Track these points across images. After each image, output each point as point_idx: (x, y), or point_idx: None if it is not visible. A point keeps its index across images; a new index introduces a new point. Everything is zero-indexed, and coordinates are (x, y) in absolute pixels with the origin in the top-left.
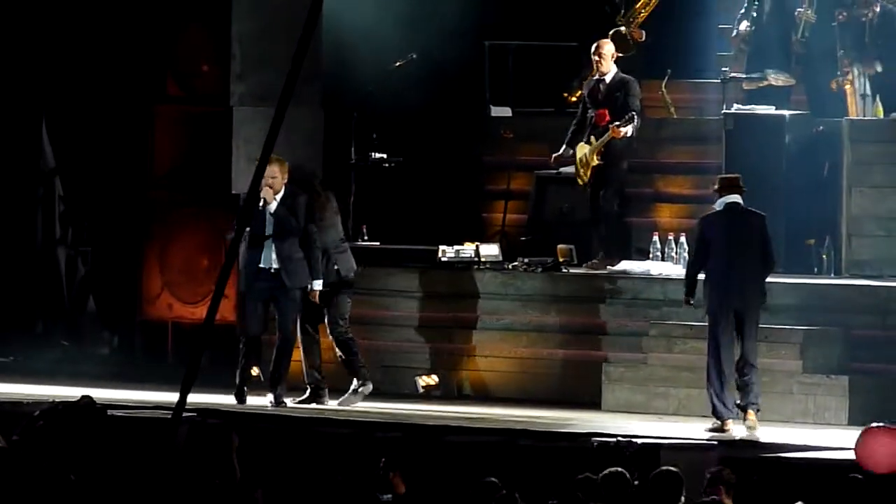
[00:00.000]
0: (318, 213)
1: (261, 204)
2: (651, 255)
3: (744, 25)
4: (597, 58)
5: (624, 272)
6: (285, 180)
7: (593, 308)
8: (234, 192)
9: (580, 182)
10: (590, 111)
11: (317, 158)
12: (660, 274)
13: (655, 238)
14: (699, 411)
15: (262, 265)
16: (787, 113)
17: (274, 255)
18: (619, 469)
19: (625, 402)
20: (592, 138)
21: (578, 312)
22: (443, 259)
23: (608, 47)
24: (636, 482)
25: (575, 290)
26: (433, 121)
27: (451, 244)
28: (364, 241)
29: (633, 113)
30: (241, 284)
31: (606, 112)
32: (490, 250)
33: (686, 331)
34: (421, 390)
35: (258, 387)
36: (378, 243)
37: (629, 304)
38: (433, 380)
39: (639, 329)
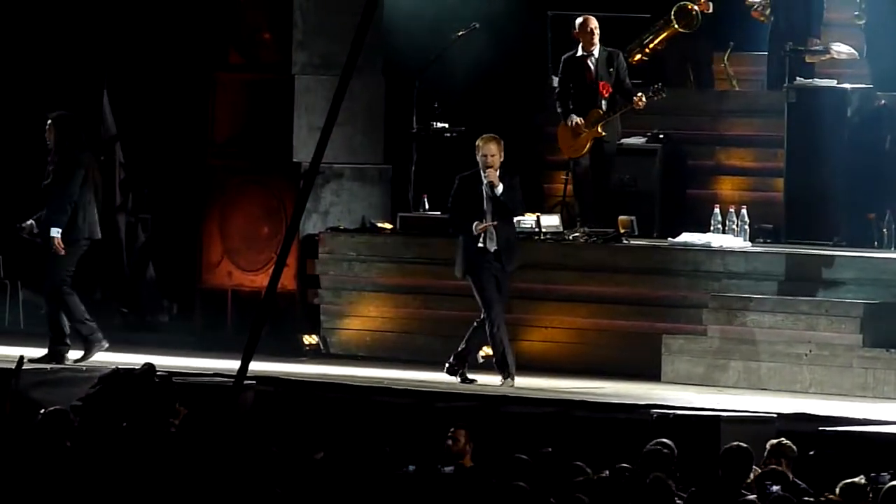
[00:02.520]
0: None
1: (484, 185)
2: (712, 228)
3: None
4: (590, 34)
5: (685, 244)
6: (502, 158)
7: (654, 280)
8: (294, 160)
9: (574, 153)
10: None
11: (378, 128)
12: (720, 246)
13: (716, 210)
14: (758, 384)
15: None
16: (849, 86)
17: (496, 237)
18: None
19: (684, 373)
20: (593, 109)
21: (639, 284)
22: None
23: (595, 23)
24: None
25: (635, 261)
26: (495, 90)
27: None
28: (424, 210)
29: (662, 85)
30: (460, 267)
31: (608, 84)
32: (551, 221)
33: (746, 303)
34: (480, 360)
35: (317, 356)
36: (439, 213)
37: (690, 276)
38: (490, 350)
39: (699, 301)
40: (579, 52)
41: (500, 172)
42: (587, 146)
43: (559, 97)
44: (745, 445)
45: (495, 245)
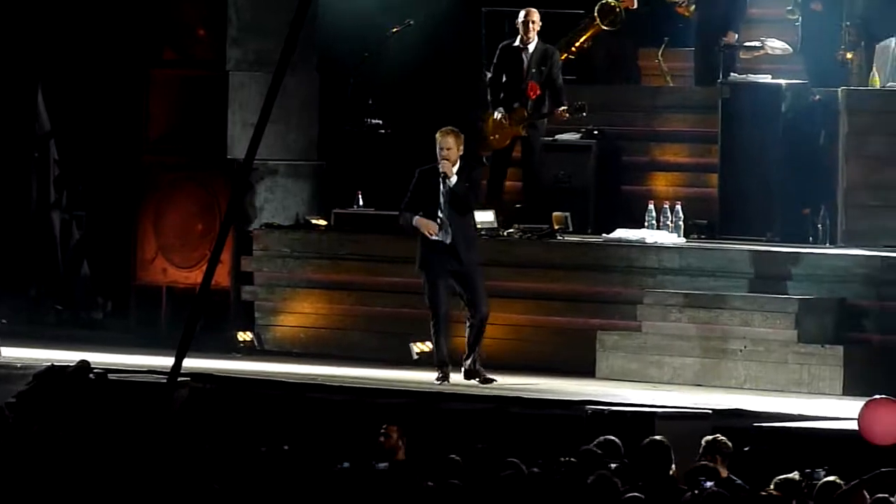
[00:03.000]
0: None
1: (440, 178)
2: (646, 224)
3: None
4: (528, 26)
5: (619, 240)
6: (461, 152)
7: (588, 276)
8: (229, 156)
9: (491, 147)
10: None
11: (312, 124)
12: (655, 242)
13: (651, 206)
14: (693, 380)
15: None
16: (783, 82)
17: (451, 231)
18: (612, 437)
19: (619, 370)
20: (518, 106)
21: (573, 280)
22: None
23: (538, 16)
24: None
25: (570, 257)
26: (429, 87)
27: None
28: (359, 206)
29: (585, 104)
30: (416, 262)
31: (537, 86)
32: (485, 217)
33: (681, 299)
34: (415, 357)
35: (251, 353)
36: (373, 209)
37: (624, 273)
38: (427, 346)
39: (633, 297)
40: (516, 42)
41: (460, 165)
42: (508, 142)
43: (490, 85)
44: (661, 439)
45: (450, 238)
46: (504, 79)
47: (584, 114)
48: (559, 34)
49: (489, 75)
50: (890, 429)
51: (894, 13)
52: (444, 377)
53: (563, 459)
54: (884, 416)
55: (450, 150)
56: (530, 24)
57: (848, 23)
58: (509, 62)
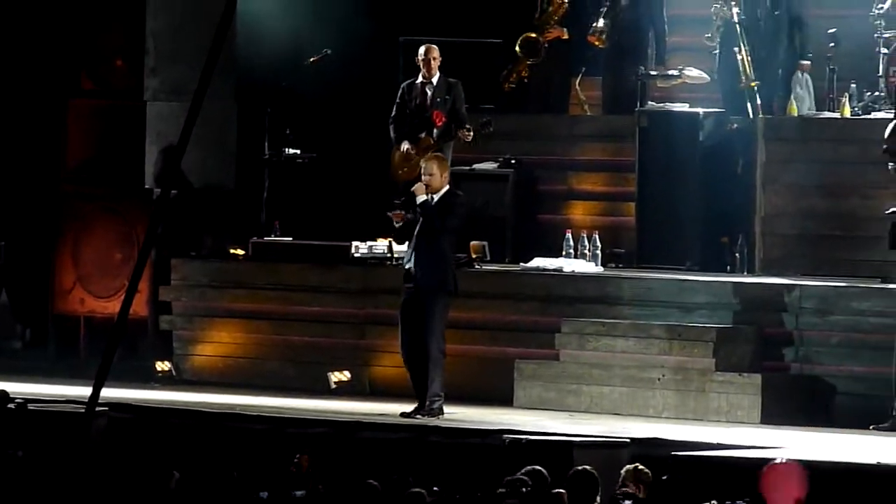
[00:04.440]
0: None
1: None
2: (564, 253)
3: (601, 22)
4: (429, 63)
5: (537, 269)
6: (445, 183)
7: (506, 305)
8: (147, 186)
9: (401, 180)
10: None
11: (230, 153)
12: (572, 271)
13: (568, 235)
14: (611, 408)
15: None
16: (701, 110)
17: (413, 255)
18: (538, 467)
19: (537, 398)
20: (424, 135)
21: (491, 309)
22: (356, 255)
23: (437, 52)
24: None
25: (487, 286)
26: (347, 116)
27: (364, 240)
28: (276, 235)
29: (491, 120)
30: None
31: (442, 114)
32: (404, 247)
33: (599, 328)
34: (333, 386)
35: (169, 382)
36: (291, 238)
37: (542, 301)
38: (345, 376)
39: (551, 326)
40: (419, 80)
41: (444, 192)
42: (417, 172)
43: (393, 122)
44: (590, 469)
45: (411, 263)
46: (408, 115)
47: (490, 130)
48: (477, 63)
49: (392, 113)
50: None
51: (800, 40)
52: (414, 411)
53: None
54: (782, 483)
55: (431, 177)
56: (431, 61)
57: (747, 49)
58: (412, 98)
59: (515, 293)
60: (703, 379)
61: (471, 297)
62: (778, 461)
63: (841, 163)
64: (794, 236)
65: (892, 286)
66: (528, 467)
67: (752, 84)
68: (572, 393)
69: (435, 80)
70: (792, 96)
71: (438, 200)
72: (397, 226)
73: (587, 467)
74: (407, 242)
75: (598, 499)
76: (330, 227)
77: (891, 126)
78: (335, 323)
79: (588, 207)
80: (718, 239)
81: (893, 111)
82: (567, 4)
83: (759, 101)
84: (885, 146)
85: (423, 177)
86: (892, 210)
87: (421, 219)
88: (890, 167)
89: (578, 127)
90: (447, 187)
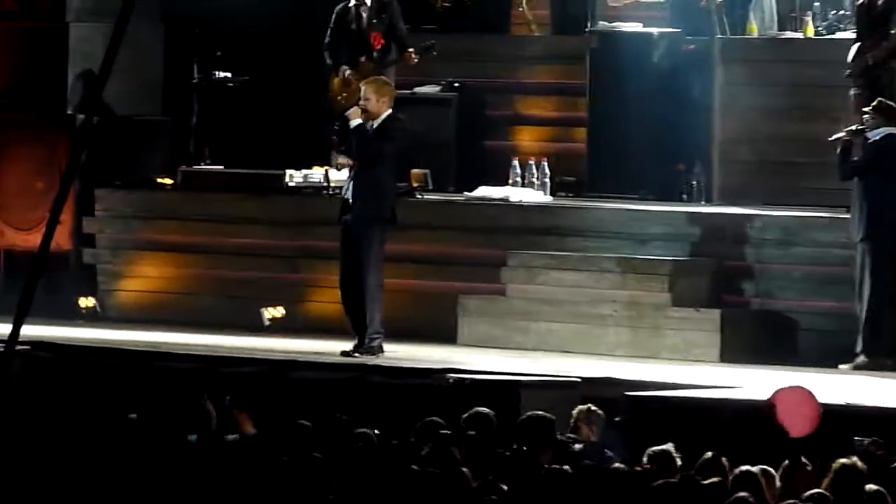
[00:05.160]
0: None
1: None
2: (511, 181)
3: None
4: None
5: (482, 199)
6: (384, 108)
7: (449, 237)
8: (69, 112)
9: (340, 108)
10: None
11: (157, 78)
12: (520, 201)
13: (515, 163)
14: (560, 346)
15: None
16: (655, 31)
17: (351, 183)
18: (484, 409)
19: (482, 336)
20: (364, 59)
21: (433, 241)
22: (290, 184)
23: None
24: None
25: (429, 217)
26: (282, 37)
27: (298, 169)
28: (207, 164)
29: (434, 43)
30: None
31: (379, 35)
32: (340, 175)
33: (547, 261)
34: (267, 323)
35: (93, 319)
36: (222, 167)
37: (487, 233)
38: (279, 312)
39: (497, 259)
40: (352, 2)
41: (384, 117)
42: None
43: (329, 47)
44: (544, 413)
45: (348, 192)
46: (344, 39)
47: (434, 53)
48: None
49: (327, 39)
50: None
51: None
52: (353, 349)
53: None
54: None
55: (367, 101)
56: None
57: None
58: (347, 21)
59: (459, 224)
60: (658, 315)
61: (412, 228)
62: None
63: (805, 85)
64: (754, 163)
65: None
66: (473, 410)
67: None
68: (519, 330)
69: (369, 0)
70: (751, 14)
71: (378, 126)
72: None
73: (541, 412)
74: (348, 171)
75: None
76: (263, 156)
77: (854, 48)
78: (269, 256)
79: (536, 133)
80: (674, 166)
81: (856, 32)
82: None
83: (726, 20)
84: (847, 71)
85: (360, 101)
86: (835, 136)
87: (355, 144)
88: (851, 93)
89: (525, 48)
90: (388, 112)
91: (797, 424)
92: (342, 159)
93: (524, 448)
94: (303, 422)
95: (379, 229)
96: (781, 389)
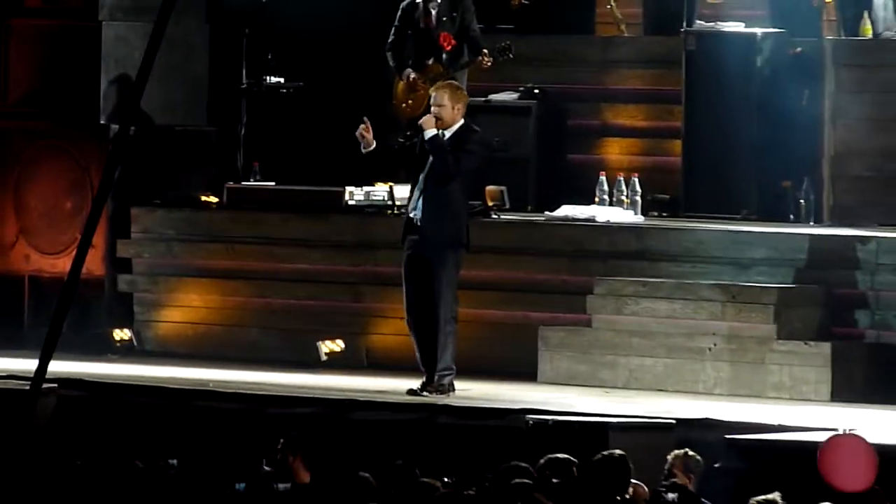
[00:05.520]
0: None
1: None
2: (597, 199)
3: None
4: None
5: (565, 219)
6: (458, 115)
7: (528, 261)
8: (102, 122)
9: (405, 116)
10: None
11: (201, 83)
12: (607, 221)
13: (602, 178)
14: (653, 384)
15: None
16: (759, 31)
17: (420, 203)
18: (562, 455)
19: (565, 372)
20: (432, 62)
21: (510, 266)
22: (350, 203)
23: None
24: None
25: (507, 239)
26: (340, 40)
27: (360, 185)
28: (256, 180)
29: (510, 44)
30: None
31: (450, 36)
32: (406, 192)
33: (638, 288)
34: (324, 358)
35: (129, 354)
36: (273, 184)
37: (571, 257)
38: (338, 345)
39: (582, 286)
40: None
41: (458, 127)
42: (425, 105)
43: (392, 48)
44: (619, 453)
45: (416, 211)
46: (411, 39)
47: (511, 55)
48: None
49: (391, 38)
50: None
51: None
52: (421, 387)
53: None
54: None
55: (442, 108)
56: None
57: None
58: (414, 19)
59: (540, 248)
60: (762, 348)
61: (487, 252)
62: (840, 433)
63: None
64: (868, 179)
65: None
66: (548, 456)
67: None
68: (607, 365)
69: None
70: (866, 13)
71: (451, 137)
72: (364, 150)
73: (616, 451)
74: (411, 186)
75: (632, 490)
76: (320, 171)
77: None
78: (326, 283)
79: (625, 145)
80: (779, 183)
81: None
82: None
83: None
84: None
85: (432, 108)
86: None
87: (430, 158)
88: None
89: (614, 50)
90: (461, 121)
91: (846, 477)
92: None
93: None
94: (363, 474)
95: (452, 253)
96: (835, 436)
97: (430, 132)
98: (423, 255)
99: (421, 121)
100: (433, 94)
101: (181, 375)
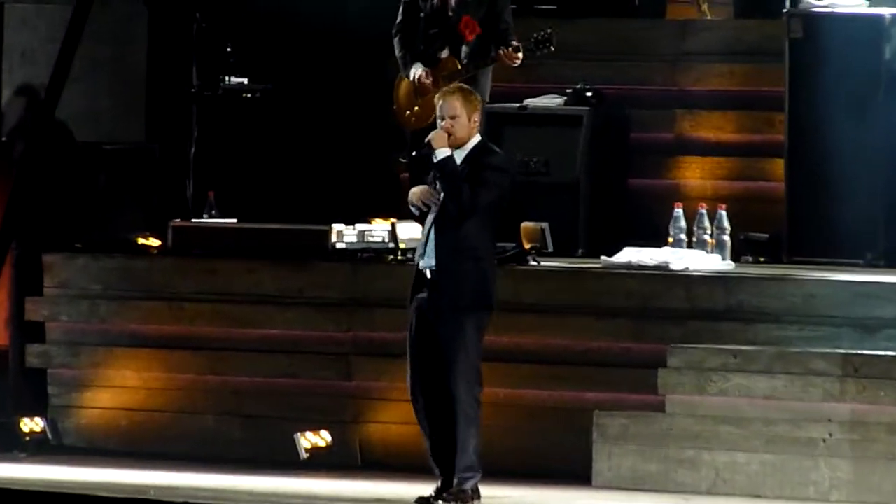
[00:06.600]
0: None
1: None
2: (672, 240)
3: None
4: None
5: (628, 266)
6: (476, 127)
7: (578, 323)
8: (2, 138)
9: (411, 125)
10: (422, 18)
11: (138, 87)
12: (685, 269)
13: (678, 211)
14: (748, 488)
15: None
16: (888, 12)
17: (434, 252)
18: None
19: (629, 473)
20: (447, 55)
21: (554, 330)
22: (339, 246)
23: None
24: None
25: (550, 294)
26: (323, 32)
27: (351, 222)
28: (212, 216)
29: (552, 33)
30: None
31: (475, 22)
32: (413, 231)
33: (727, 359)
34: (304, 455)
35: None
36: (234, 221)
37: (636, 318)
38: (323, 438)
39: (651, 357)
40: None
41: (474, 146)
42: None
43: (400, 34)
44: None
45: (431, 263)
46: (422, 25)
47: (552, 48)
48: None
49: (398, 21)
50: None
51: None
52: (436, 494)
53: None
54: None
55: (455, 120)
56: None
57: None
58: (427, 2)
59: (593, 304)
60: (894, 440)
61: (523, 311)
62: None
63: None
64: None
65: None
66: None
67: None
68: (686, 464)
69: None
70: None
71: (466, 159)
72: (416, 210)
73: None
74: (421, 227)
75: None
76: (297, 203)
77: None
78: (306, 353)
79: (709, 167)
80: None
81: None
82: None
83: None
84: None
85: (441, 121)
86: None
87: (440, 189)
88: None
89: (693, 39)
90: (478, 138)
91: None
92: (420, 193)
93: None
94: None
95: (474, 317)
96: None
97: (441, 153)
98: (437, 320)
99: (429, 137)
100: (440, 103)
101: (111, 480)
